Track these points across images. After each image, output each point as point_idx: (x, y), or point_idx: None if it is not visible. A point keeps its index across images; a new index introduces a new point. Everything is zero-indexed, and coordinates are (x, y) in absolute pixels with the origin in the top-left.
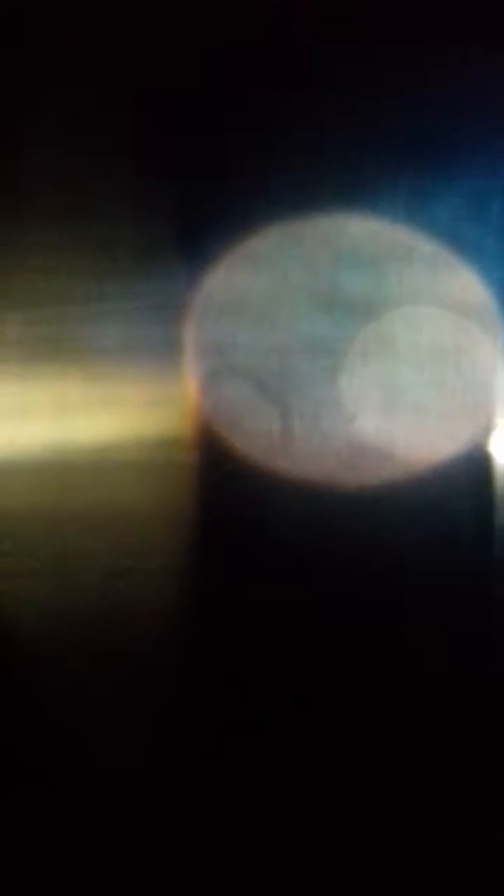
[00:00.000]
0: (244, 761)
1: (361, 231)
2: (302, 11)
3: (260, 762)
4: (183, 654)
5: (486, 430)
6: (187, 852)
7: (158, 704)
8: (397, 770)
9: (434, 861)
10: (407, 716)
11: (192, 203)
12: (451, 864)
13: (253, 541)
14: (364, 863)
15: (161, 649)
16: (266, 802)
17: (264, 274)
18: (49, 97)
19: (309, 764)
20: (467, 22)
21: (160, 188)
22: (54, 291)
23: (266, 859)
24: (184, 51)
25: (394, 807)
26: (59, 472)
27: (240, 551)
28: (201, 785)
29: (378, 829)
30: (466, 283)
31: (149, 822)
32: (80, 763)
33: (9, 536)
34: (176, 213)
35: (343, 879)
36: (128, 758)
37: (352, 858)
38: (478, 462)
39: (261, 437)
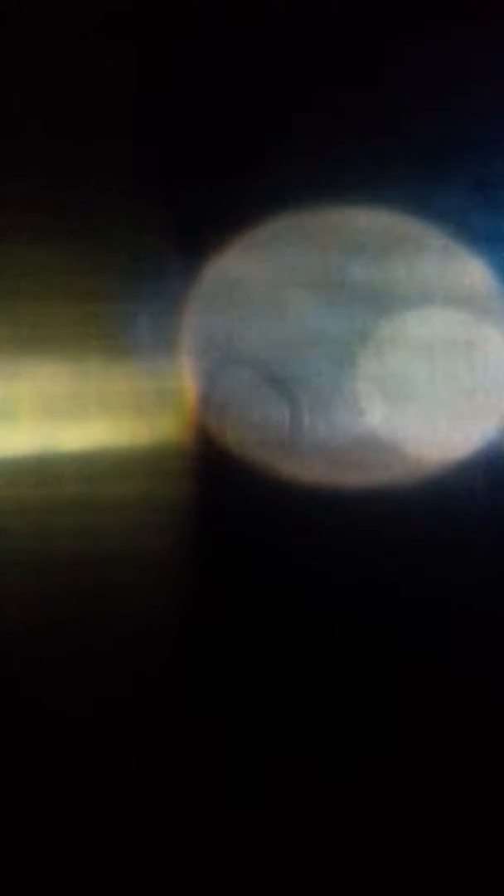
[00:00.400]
0: (244, 762)
1: (370, 221)
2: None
3: (260, 764)
4: (184, 661)
5: (501, 426)
6: (185, 851)
7: (155, 711)
8: (399, 777)
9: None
10: (418, 724)
11: (193, 192)
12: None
13: (258, 542)
14: (364, 860)
15: (161, 657)
16: (266, 802)
17: (269, 265)
18: (46, 94)
19: (309, 766)
20: (473, 9)
21: (158, 177)
22: (47, 287)
23: (265, 860)
24: (183, 45)
25: (397, 816)
26: (52, 474)
27: (243, 552)
28: (201, 786)
29: (379, 830)
30: (478, 274)
31: (147, 822)
32: (75, 763)
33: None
34: (176, 202)
35: (343, 879)
36: (124, 759)
37: (352, 857)
38: (492, 459)
39: (267, 432)
